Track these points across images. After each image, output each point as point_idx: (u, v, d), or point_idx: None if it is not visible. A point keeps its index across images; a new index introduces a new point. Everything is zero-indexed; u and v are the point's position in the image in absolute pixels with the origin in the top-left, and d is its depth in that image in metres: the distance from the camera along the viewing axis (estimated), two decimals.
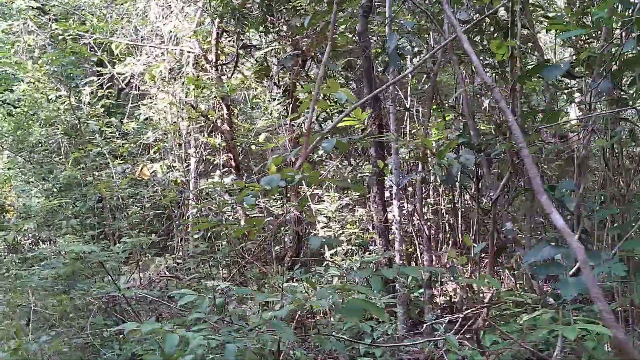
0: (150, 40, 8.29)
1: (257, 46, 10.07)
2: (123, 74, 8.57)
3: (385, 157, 6.50)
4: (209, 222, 3.05)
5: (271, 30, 7.50)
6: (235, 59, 7.71)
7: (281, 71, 11.33)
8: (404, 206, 6.31)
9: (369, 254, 6.46)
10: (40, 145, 8.96)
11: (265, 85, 11.49)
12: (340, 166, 8.01)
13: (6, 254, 9.51)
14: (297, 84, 12.54)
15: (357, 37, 6.43)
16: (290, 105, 12.21)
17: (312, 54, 11.10)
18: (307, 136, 2.37)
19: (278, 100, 10.12)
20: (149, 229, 9.21)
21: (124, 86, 8.40)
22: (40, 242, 10.92)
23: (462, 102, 5.01)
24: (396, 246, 5.95)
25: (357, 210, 9.51)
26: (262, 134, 9.57)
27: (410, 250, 6.80)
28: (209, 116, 7.58)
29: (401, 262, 5.96)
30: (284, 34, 10.61)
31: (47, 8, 9.84)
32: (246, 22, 7.00)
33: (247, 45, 9.30)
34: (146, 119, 9.01)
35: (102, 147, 7.48)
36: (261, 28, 7.33)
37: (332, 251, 8.83)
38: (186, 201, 8.08)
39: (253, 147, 8.47)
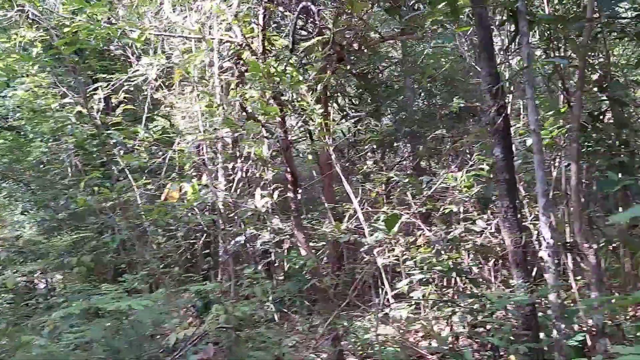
0: (178, 31, 6.69)
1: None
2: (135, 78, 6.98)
3: (513, 159, 4.93)
4: None
5: None
6: (292, 42, 6.05)
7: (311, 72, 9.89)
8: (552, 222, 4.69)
9: (510, 290, 4.82)
10: (42, 165, 7.27)
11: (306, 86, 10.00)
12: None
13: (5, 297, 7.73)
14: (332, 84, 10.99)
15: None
16: (328, 111, 10.62)
17: (354, 47, 9.63)
18: None
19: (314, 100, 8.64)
20: (169, 262, 7.57)
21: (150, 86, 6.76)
22: (40, 283, 9.19)
23: None
24: (550, 281, 4.33)
25: (427, 230, 7.92)
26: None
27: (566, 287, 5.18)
28: (262, 119, 5.92)
29: (559, 301, 4.35)
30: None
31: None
32: None
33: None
34: (165, 127, 7.40)
35: (125, 164, 5.83)
36: None
37: (404, 282, 7.19)
38: (230, 228, 6.43)
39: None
